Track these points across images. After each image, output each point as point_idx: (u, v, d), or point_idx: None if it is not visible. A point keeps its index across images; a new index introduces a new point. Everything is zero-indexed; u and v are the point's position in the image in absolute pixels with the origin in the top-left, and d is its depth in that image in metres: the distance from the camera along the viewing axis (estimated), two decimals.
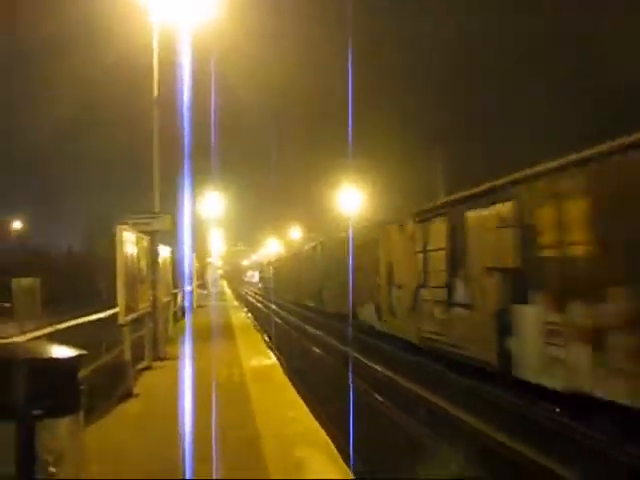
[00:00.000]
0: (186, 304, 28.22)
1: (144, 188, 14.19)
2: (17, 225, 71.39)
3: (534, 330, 11.35)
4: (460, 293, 14.73)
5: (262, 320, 32.20)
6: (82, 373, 4.62)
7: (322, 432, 7.18)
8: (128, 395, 9.31)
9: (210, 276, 54.43)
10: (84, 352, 4.65)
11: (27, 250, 62.73)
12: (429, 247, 17.06)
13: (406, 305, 18.72)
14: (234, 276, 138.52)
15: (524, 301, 11.75)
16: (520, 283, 12.01)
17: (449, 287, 15.43)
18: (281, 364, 13.03)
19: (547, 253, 11.14)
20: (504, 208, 12.66)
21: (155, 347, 13.13)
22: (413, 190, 43.99)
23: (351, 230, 26.23)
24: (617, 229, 9.32)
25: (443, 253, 15.89)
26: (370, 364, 16.48)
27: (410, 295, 18.43)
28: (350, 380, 13.93)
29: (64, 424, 4.35)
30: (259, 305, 51.84)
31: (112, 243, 9.34)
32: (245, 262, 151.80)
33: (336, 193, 48.11)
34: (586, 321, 9.80)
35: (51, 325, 8.98)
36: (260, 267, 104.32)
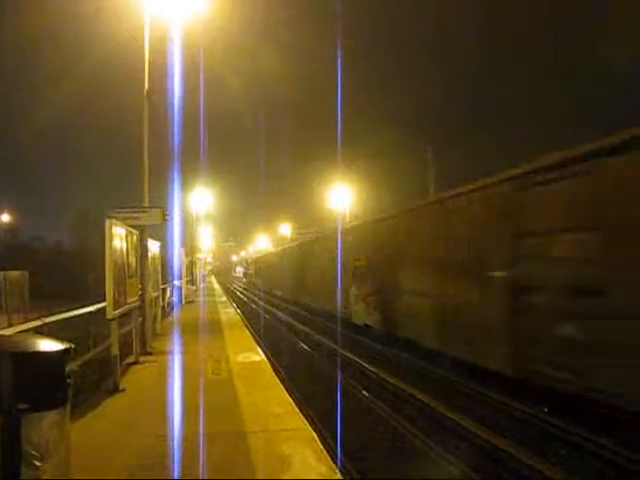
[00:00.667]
0: (175, 299, 28.20)
1: (134, 182, 14.13)
2: (5, 218, 71.14)
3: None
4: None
5: (250, 314, 32.31)
6: (69, 367, 4.62)
7: (309, 429, 7.18)
8: (115, 390, 9.29)
9: (199, 272, 54.34)
10: (71, 346, 4.65)
11: (15, 244, 62.56)
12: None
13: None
14: (224, 272, 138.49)
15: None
16: None
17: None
18: (269, 359, 13.01)
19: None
20: None
21: (143, 342, 13.12)
22: (403, 189, 44.15)
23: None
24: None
25: None
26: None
27: None
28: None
29: (50, 418, 4.35)
30: (246, 299, 52.15)
31: (101, 237, 9.30)
32: (235, 258, 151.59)
33: (327, 190, 48.18)
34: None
35: (39, 318, 8.97)
36: (245, 263, 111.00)
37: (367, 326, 20.76)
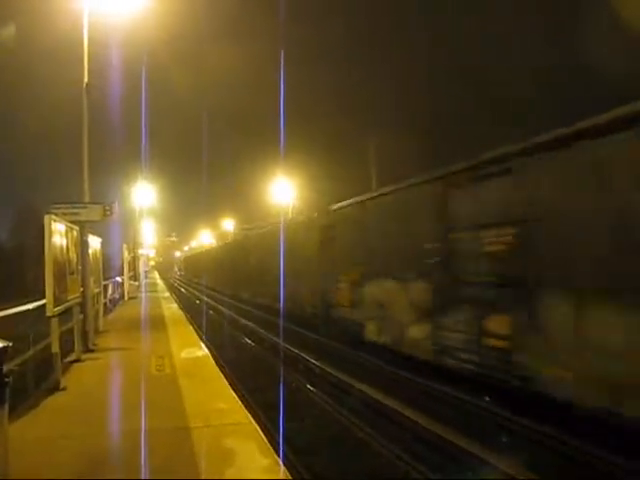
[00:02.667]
0: (117, 295, 27.89)
1: (75, 178, 13.95)
2: None
3: None
4: None
5: (193, 310, 32.17)
6: (7, 366, 4.58)
7: (253, 423, 7.23)
8: (56, 388, 9.17)
9: (142, 267, 53.71)
10: (8, 344, 4.60)
11: None
12: None
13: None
14: (167, 267, 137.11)
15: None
16: None
17: None
18: (212, 354, 13.00)
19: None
20: None
21: (85, 339, 12.97)
22: (345, 181, 44.37)
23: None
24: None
25: None
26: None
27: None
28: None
29: None
30: (189, 295, 52.49)
31: (41, 234, 9.16)
32: (178, 253, 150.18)
33: (269, 185, 48.16)
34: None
35: None
36: (179, 262, 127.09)
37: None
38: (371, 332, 15.02)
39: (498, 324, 10.21)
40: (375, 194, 15.88)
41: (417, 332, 12.79)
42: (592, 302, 8.35)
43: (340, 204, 18.37)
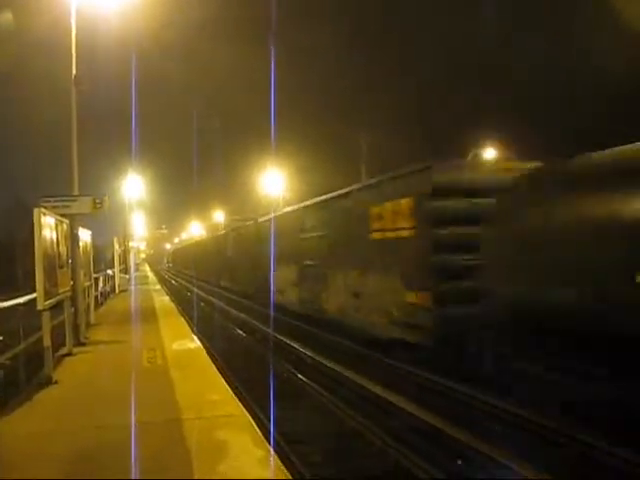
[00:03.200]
0: (108, 288, 27.81)
1: (66, 172, 13.86)
2: None
3: None
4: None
5: (184, 301, 32.22)
6: None
7: (246, 414, 7.24)
8: (48, 382, 9.14)
9: (133, 260, 53.57)
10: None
11: None
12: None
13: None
14: (158, 259, 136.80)
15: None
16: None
17: None
18: (204, 345, 13.00)
19: None
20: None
21: (76, 332, 12.93)
22: (335, 172, 44.34)
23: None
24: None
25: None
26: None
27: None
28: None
29: None
30: (180, 287, 52.64)
31: (31, 227, 9.11)
32: (168, 246, 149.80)
33: (259, 176, 48.07)
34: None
35: None
36: (167, 253, 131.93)
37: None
38: (278, 298, 23.49)
39: (314, 287, 19.21)
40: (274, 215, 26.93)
41: (292, 294, 21.86)
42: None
43: (263, 218, 29.71)
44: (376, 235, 14.33)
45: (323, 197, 18.83)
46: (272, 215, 26.82)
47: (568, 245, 8.71)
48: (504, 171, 11.55)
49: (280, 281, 23.56)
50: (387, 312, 13.76)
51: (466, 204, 11.69)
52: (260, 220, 29.71)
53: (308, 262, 19.78)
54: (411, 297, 12.68)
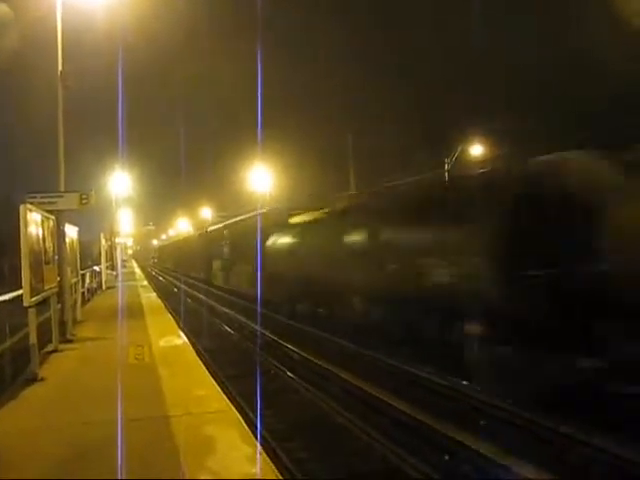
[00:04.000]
0: (95, 285, 27.70)
1: (52, 166, 13.79)
2: None
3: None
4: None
5: (171, 298, 32.33)
6: None
7: (233, 410, 7.24)
8: (34, 379, 9.09)
9: (119, 256, 53.37)
10: None
11: None
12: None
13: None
14: (145, 256, 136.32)
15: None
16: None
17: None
18: (191, 342, 12.99)
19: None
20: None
21: (63, 329, 12.87)
22: (324, 169, 44.41)
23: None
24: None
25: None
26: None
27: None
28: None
29: None
30: (167, 283, 53.05)
31: (17, 223, 9.05)
32: (155, 242, 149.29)
33: (247, 173, 47.95)
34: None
35: None
36: (153, 250, 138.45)
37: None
38: (212, 281, 41.10)
39: (240, 272, 33.17)
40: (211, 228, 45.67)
41: (219, 277, 40.03)
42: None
43: (212, 227, 47.20)
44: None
45: (229, 221, 39.65)
46: (211, 228, 48.97)
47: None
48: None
49: (215, 269, 43.08)
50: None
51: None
52: (209, 230, 50.12)
53: (225, 258, 39.25)
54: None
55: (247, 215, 37.07)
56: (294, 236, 23.19)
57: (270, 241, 25.88)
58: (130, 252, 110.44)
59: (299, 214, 24.79)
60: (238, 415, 7.05)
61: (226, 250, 38.92)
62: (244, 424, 6.66)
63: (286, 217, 26.17)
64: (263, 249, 25.51)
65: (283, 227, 25.29)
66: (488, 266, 11.52)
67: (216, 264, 42.01)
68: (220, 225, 44.70)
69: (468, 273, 12.01)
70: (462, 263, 12.31)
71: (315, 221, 22.33)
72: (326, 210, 22.39)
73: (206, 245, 47.44)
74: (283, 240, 24.49)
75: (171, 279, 58.79)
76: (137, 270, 65.03)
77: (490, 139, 35.99)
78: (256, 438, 6.32)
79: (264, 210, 33.70)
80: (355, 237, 17.59)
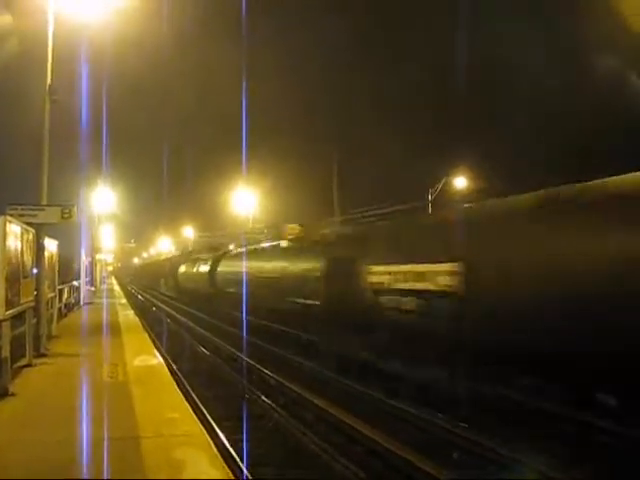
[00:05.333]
0: (73, 300, 27.47)
1: (33, 179, 13.70)
2: None
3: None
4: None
5: (149, 316, 32.17)
6: None
7: (204, 433, 7.18)
8: (4, 394, 8.96)
9: (100, 272, 53.01)
10: None
11: None
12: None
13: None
14: (125, 273, 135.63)
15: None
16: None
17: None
18: (167, 362, 12.90)
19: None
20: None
21: (37, 344, 12.73)
22: (309, 192, 44.58)
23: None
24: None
25: None
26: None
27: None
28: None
29: None
30: (145, 301, 53.29)
31: None
32: (136, 260, 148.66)
33: (230, 194, 48.06)
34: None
35: None
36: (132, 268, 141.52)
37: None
38: (162, 288, 63.95)
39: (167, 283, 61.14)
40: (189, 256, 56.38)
41: (165, 286, 63.19)
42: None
43: (175, 255, 73.38)
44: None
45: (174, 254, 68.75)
46: (170, 256, 74.67)
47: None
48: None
49: (164, 282, 63.28)
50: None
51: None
52: (172, 256, 72.67)
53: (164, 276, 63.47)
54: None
55: (173, 254, 75.94)
56: (185, 267, 49.22)
57: (181, 269, 50.76)
58: (110, 269, 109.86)
59: (189, 256, 54.28)
60: (208, 438, 6.99)
61: (165, 272, 63.90)
62: (214, 448, 6.60)
63: (186, 258, 54.07)
64: (177, 273, 52.30)
65: (185, 262, 50.35)
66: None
67: (162, 280, 66.72)
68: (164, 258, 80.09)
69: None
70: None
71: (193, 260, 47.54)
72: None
73: (157, 268, 77.55)
74: (183, 269, 49.75)
75: (149, 297, 58.59)
76: (117, 287, 64.64)
77: (474, 171, 36.33)
78: (225, 462, 6.26)
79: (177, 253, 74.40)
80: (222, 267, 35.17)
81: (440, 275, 11.72)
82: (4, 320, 9.02)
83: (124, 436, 6.89)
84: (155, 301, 52.16)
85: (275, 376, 15.06)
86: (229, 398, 13.72)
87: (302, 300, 18.99)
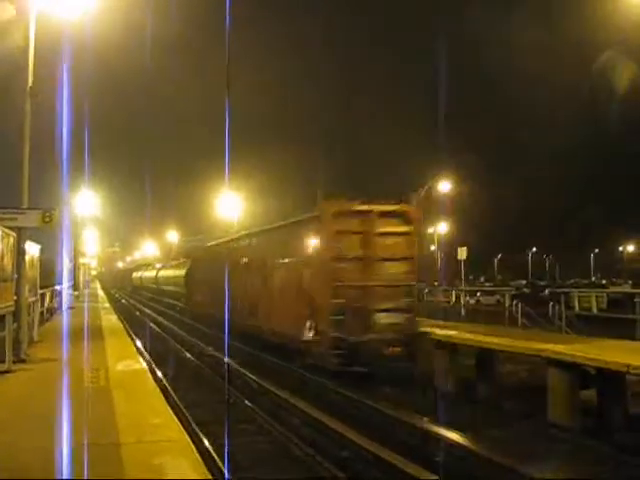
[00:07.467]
0: (55, 305, 27.25)
1: (15, 182, 13.54)
2: None
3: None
4: None
5: (132, 321, 32.04)
6: None
7: (186, 439, 7.08)
8: None
9: (83, 277, 52.71)
10: None
11: None
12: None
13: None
14: (109, 278, 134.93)
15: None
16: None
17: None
18: (150, 367, 12.77)
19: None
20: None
21: (17, 349, 12.56)
22: (292, 195, 44.61)
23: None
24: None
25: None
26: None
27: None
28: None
29: None
30: (129, 305, 53.34)
31: None
32: (120, 264, 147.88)
33: (215, 198, 47.92)
34: None
35: None
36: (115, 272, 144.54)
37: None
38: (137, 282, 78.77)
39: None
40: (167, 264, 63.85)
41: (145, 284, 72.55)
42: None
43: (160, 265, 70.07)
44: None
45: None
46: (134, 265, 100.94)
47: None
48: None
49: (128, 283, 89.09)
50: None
51: None
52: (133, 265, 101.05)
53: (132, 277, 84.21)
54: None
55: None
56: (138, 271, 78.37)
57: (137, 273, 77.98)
58: (94, 273, 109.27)
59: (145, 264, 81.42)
60: (191, 443, 6.90)
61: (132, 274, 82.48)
62: (196, 453, 6.51)
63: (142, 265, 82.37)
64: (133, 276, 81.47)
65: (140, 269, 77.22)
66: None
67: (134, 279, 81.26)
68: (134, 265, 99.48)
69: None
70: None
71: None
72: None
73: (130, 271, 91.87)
74: (138, 273, 77.88)
75: (134, 302, 58.35)
76: (100, 292, 64.29)
77: (458, 175, 36.48)
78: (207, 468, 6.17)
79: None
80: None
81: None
82: None
83: (105, 442, 6.79)
84: (138, 305, 54.58)
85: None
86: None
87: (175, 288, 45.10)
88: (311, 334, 16.28)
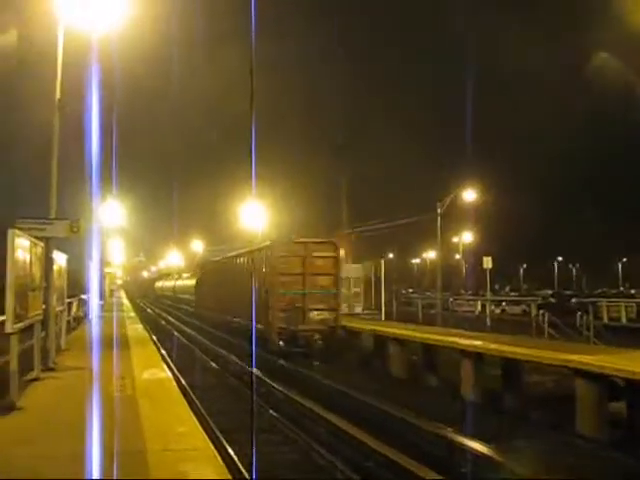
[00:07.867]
0: (82, 314, 27.50)
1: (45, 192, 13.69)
2: None
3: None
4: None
5: (157, 330, 32.16)
6: None
7: (211, 447, 7.12)
8: (11, 408, 8.91)
9: (109, 286, 53.13)
10: None
11: None
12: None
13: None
14: (134, 287, 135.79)
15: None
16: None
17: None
18: (175, 376, 12.84)
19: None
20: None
21: (45, 357, 12.70)
22: (317, 206, 44.62)
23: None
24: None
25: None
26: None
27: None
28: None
29: None
30: (154, 315, 53.08)
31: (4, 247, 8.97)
32: (145, 274, 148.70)
33: (239, 207, 47.98)
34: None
35: None
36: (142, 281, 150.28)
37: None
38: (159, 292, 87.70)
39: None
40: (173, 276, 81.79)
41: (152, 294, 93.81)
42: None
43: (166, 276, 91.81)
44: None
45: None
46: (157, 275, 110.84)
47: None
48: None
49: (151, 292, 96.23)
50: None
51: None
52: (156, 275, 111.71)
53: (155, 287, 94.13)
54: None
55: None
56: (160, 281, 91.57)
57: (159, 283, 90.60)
58: (119, 282, 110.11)
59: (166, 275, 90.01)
60: (215, 452, 6.93)
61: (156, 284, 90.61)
62: (221, 461, 6.54)
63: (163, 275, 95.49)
64: (155, 285, 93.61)
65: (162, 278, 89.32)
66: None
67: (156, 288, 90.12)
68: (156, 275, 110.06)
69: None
70: None
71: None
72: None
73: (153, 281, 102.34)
74: (159, 283, 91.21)
75: (159, 311, 58.56)
76: (125, 301, 64.72)
77: (483, 184, 36.30)
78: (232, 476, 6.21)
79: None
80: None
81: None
82: (13, 333, 9.01)
83: (132, 450, 6.84)
84: (163, 314, 55.13)
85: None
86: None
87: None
88: (265, 324, 23.87)
